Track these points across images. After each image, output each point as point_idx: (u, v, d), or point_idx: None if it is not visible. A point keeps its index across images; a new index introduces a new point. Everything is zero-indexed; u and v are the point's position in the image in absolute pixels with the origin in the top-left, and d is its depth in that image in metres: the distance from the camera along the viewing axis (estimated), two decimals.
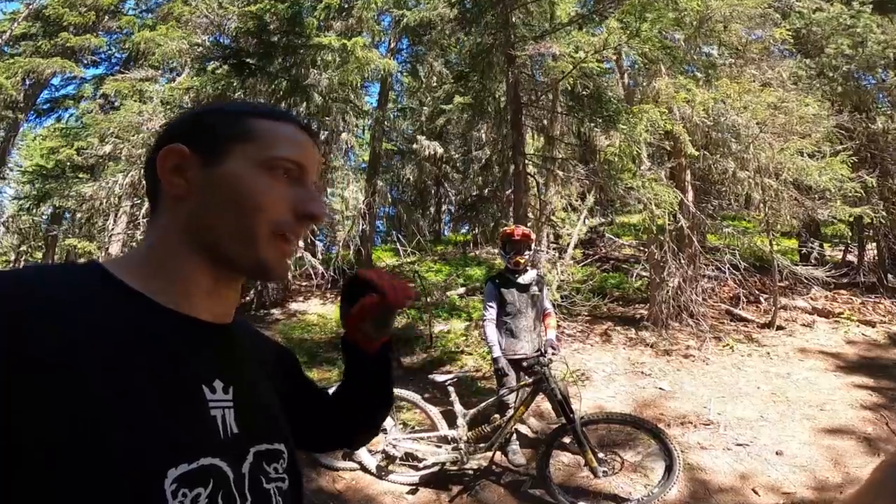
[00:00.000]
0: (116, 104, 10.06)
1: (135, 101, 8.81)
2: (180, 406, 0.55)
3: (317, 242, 10.67)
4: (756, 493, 3.54)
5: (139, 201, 11.21)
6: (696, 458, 4.00)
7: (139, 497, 0.48)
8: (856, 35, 7.10)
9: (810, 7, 7.14)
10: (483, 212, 10.41)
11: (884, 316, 7.73)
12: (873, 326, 7.46)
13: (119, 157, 8.78)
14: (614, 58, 5.08)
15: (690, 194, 7.03)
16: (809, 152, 6.65)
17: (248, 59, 6.70)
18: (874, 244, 9.04)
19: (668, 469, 3.27)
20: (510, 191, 6.52)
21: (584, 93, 5.85)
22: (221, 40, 8.69)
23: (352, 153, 11.56)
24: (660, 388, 5.47)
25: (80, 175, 11.04)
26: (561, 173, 6.68)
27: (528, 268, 4.22)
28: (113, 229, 10.87)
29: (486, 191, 10.33)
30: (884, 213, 7.56)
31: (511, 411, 3.64)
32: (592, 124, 5.66)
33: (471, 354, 6.56)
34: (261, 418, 0.65)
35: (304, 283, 11.03)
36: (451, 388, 3.74)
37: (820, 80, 7.15)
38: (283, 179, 0.64)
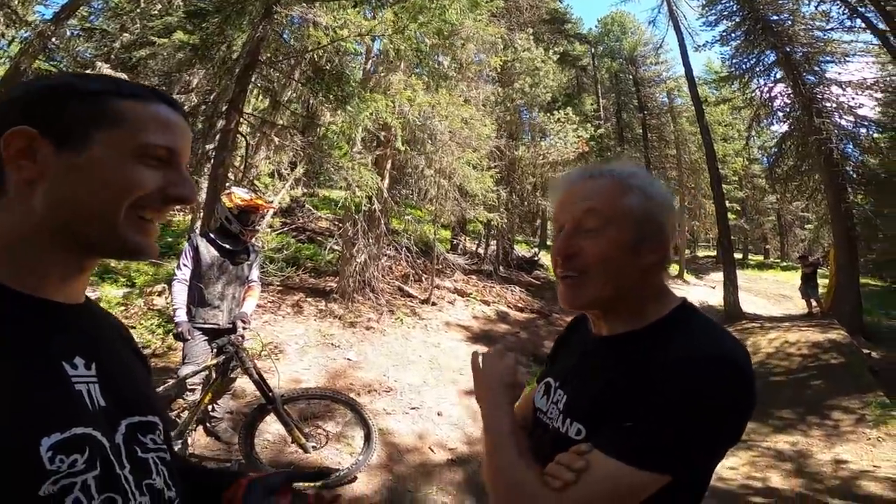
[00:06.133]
0: None
1: None
2: (44, 382, 0.56)
3: None
4: (432, 450, 4.23)
5: None
6: (384, 424, 4.47)
7: (17, 465, 0.50)
8: (537, 77, 9.26)
9: (524, 45, 8.90)
10: None
11: (496, 298, 10.35)
12: (489, 305, 9.91)
13: None
14: (370, 42, 5.04)
15: (387, 181, 7.68)
16: (474, 164, 8.26)
17: None
18: (496, 242, 12.00)
19: (367, 437, 3.51)
20: (211, 145, 5.59)
21: (327, 67, 5.52)
22: None
23: None
24: (348, 359, 5.83)
25: None
26: (277, 139, 6.17)
27: None
28: None
29: None
30: (506, 220, 10.11)
31: (196, 395, 3.26)
32: (325, 99, 5.43)
33: (134, 328, 5.42)
34: (129, 392, 0.67)
35: None
36: None
37: (499, 108, 9.02)
38: (155, 165, 0.62)
